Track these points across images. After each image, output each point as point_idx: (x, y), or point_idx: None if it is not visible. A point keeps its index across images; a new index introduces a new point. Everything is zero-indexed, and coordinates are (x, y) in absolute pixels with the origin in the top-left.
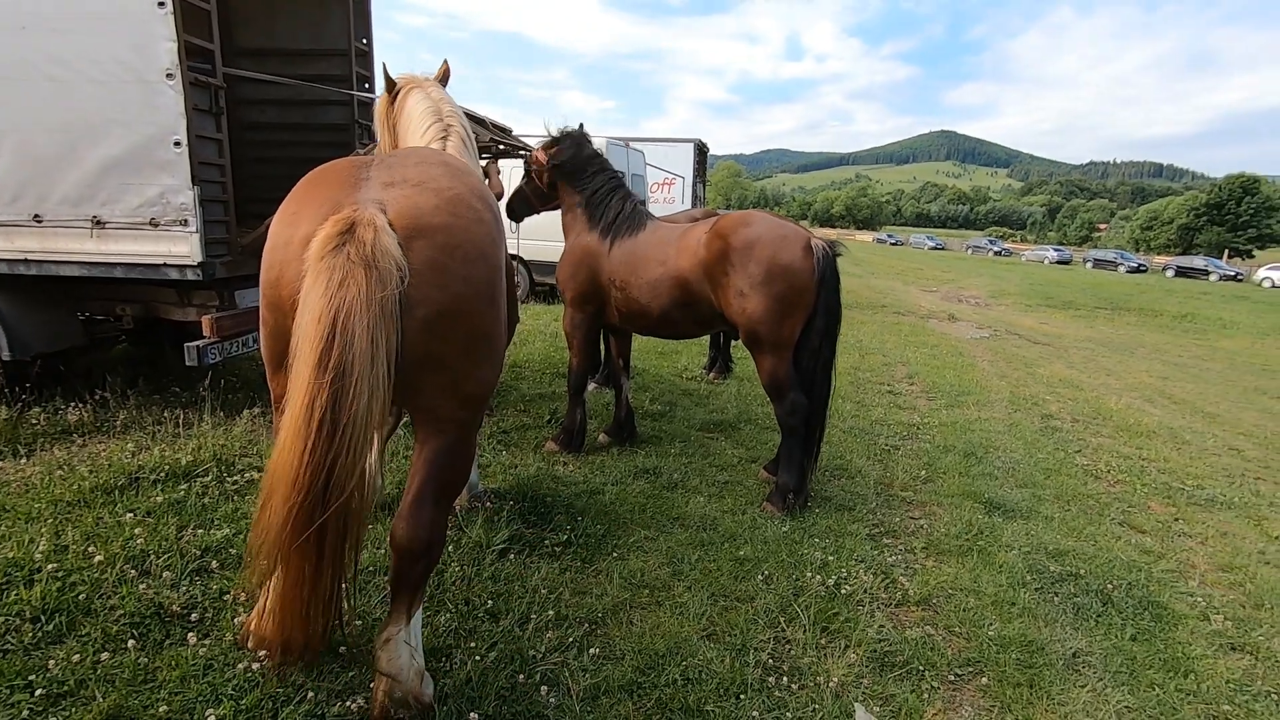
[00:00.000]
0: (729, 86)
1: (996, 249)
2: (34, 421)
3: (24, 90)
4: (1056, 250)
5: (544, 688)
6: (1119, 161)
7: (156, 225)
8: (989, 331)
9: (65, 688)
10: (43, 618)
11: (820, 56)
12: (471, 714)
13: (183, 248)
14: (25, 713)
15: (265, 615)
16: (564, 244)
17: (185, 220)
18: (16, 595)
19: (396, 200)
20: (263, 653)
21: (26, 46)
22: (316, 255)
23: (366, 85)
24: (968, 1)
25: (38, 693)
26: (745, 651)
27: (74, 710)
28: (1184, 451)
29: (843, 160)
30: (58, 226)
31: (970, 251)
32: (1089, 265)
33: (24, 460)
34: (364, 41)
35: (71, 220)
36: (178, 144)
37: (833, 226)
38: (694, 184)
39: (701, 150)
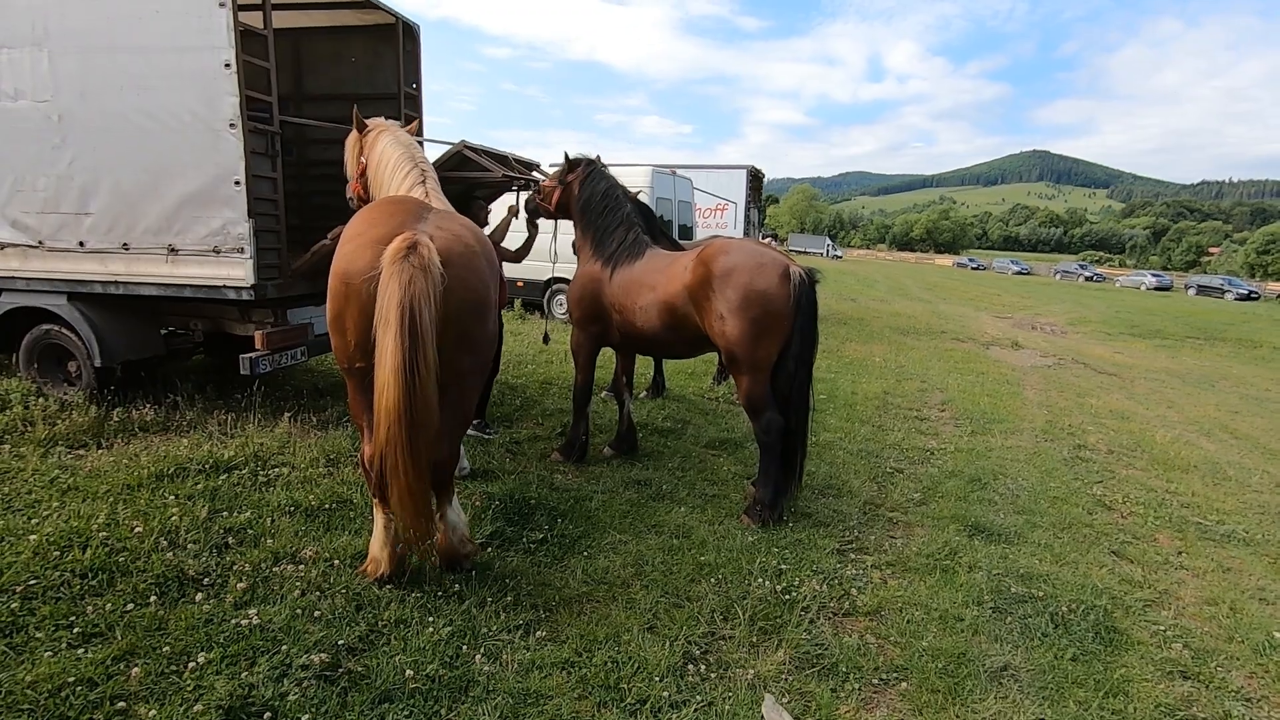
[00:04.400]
0: (807, 109)
1: (1088, 274)
2: (115, 419)
3: (120, 138)
4: (1155, 276)
5: (479, 657)
6: (1235, 180)
7: (218, 252)
8: (1052, 360)
9: (97, 629)
10: (90, 574)
11: (902, 77)
12: (408, 671)
13: (239, 272)
14: (64, 645)
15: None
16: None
17: (242, 248)
18: (73, 556)
19: (441, 239)
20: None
21: (122, 102)
22: (390, 259)
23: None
24: (1059, 18)
25: (75, 630)
26: (676, 642)
27: (99, 646)
28: (1220, 487)
29: (926, 182)
30: (141, 253)
31: (1058, 276)
32: (1191, 292)
33: (102, 451)
34: (413, 86)
35: (152, 248)
36: (237, 183)
37: (911, 250)
38: (747, 209)
39: (755, 176)
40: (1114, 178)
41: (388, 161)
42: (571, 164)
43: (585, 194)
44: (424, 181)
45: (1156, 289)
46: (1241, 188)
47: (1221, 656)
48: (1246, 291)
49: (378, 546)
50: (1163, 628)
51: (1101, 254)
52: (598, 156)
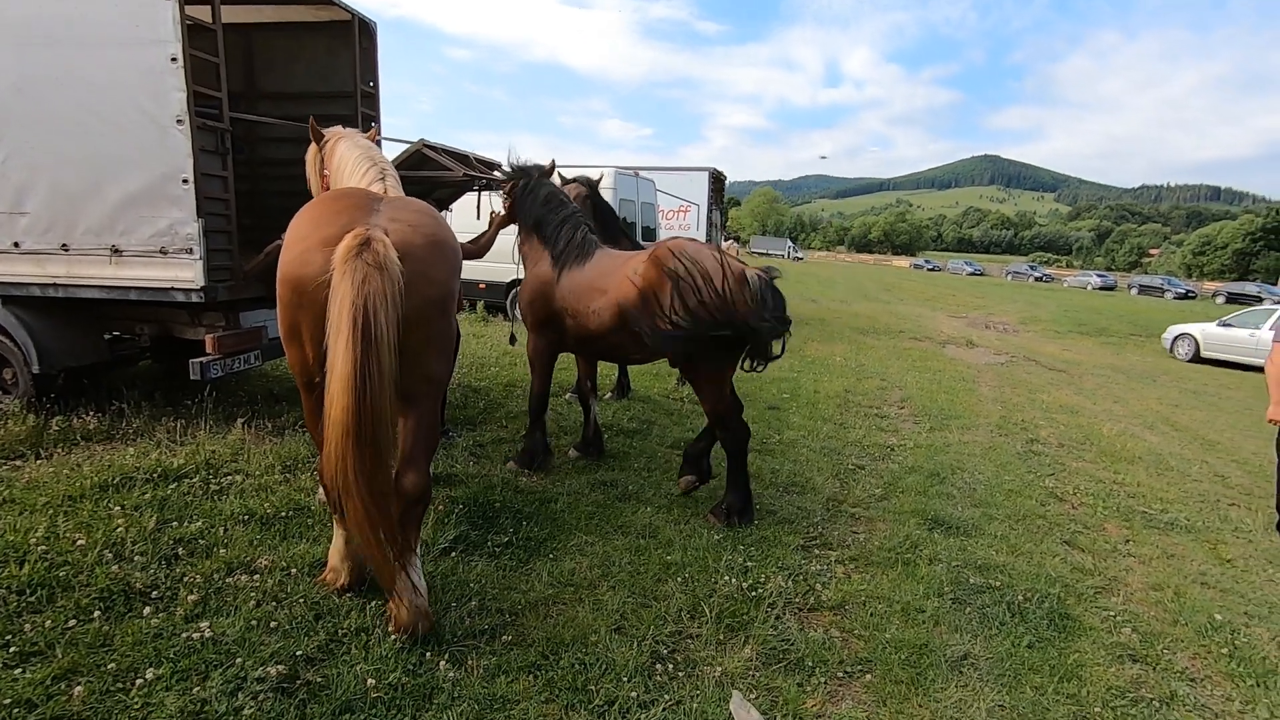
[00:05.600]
0: (767, 113)
1: (1037, 274)
2: (55, 428)
3: (59, 134)
4: (1100, 276)
5: (444, 663)
6: (1173, 185)
7: (166, 253)
8: (1005, 358)
9: (35, 647)
10: (28, 591)
11: (859, 83)
12: (370, 680)
13: (188, 273)
14: (0, 665)
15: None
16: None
17: (190, 249)
18: (9, 572)
19: (396, 231)
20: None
21: (62, 97)
22: (341, 259)
23: (372, 124)
24: (1007, 28)
25: (11, 650)
26: (644, 642)
27: (38, 665)
28: (1163, 477)
29: (883, 185)
30: (82, 254)
31: (1010, 277)
32: (1134, 291)
33: (41, 461)
34: (370, 84)
35: (94, 249)
36: (185, 181)
37: (870, 252)
38: (709, 211)
39: (717, 179)
40: (1061, 181)
41: (346, 163)
42: (515, 172)
43: (536, 193)
44: (383, 179)
45: (1102, 289)
46: (1179, 191)
47: (1167, 639)
48: (1184, 290)
49: (337, 557)
50: (1112, 613)
51: (1050, 255)
52: (552, 161)
